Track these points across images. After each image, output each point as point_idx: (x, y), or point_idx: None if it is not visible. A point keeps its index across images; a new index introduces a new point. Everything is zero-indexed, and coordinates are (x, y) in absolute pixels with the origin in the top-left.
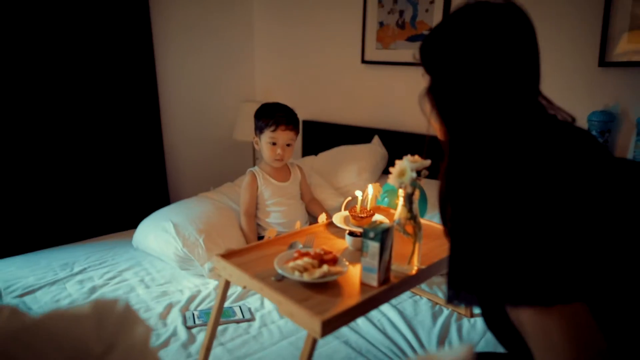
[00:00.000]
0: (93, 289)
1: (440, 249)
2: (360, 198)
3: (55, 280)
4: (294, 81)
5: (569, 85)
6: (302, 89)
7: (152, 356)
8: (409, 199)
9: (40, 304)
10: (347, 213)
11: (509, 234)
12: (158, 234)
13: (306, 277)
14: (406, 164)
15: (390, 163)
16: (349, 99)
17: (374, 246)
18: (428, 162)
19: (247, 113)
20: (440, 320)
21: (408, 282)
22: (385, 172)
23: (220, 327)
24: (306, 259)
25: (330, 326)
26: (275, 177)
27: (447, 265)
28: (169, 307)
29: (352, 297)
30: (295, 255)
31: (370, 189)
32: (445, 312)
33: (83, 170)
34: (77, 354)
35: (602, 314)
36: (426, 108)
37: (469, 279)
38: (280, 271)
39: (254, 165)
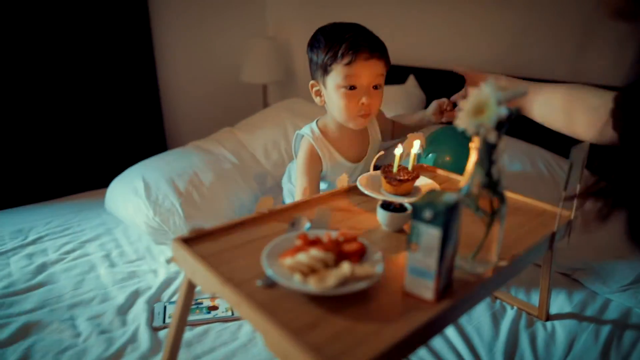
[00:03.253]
0: (42, 267)
1: (522, 229)
2: (398, 153)
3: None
4: (312, 12)
5: None
6: (322, 21)
7: None
8: (488, 153)
9: None
10: (378, 174)
11: None
12: (127, 196)
13: (313, 286)
14: (489, 93)
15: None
16: (378, 32)
17: (432, 235)
18: (524, 88)
19: (256, 51)
20: (504, 327)
21: (482, 290)
22: None
23: (197, 330)
24: (314, 252)
25: None
26: (346, 148)
27: None
28: (134, 297)
29: (392, 323)
30: (298, 242)
31: (416, 143)
32: (510, 312)
33: (62, 113)
34: None
35: None
36: None
37: None
38: (270, 272)
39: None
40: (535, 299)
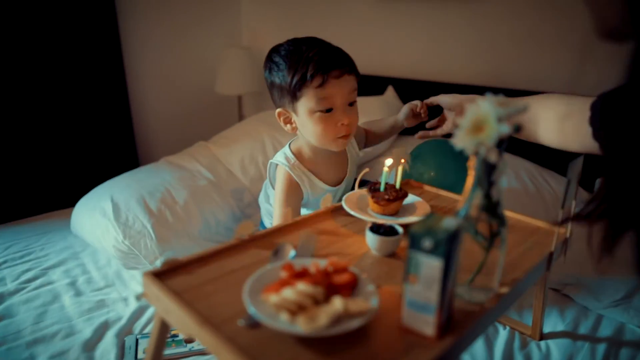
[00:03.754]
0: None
1: (518, 249)
2: (385, 169)
3: None
4: (288, 22)
5: None
6: (299, 30)
7: None
8: (487, 173)
9: None
10: (364, 192)
11: None
12: (95, 218)
13: (303, 327)
14: (489, 109)
15: None
16: (356, 42)
17: (433, 266)
18: (524, 103)
19: (231, 61)
20: (498, 349)
21: (485, 321)
22: (405, 132)
23: None
24: (302, 286)
25: None
26: (325, 172)
27: None
28: (103, 329)
29: None
30: (283, 275)
31: (398, 154)
32: (503, 332)
33: (24, 127)
34: None
35: None
36: None
37: None
38: (253, 311)
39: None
40: (527, 316)
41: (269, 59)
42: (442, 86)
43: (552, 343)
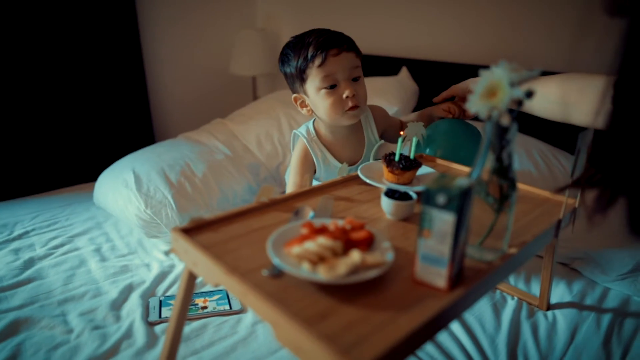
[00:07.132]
0: (30, 262)
1: (527, 217)
2: (400, 141)
3: None
4: (303, 4)
5: None
6: (313, 12)
7: None
8: (499, 137)
9: None
10: (379, 163)
11: None
12: (117, 189)
13: (323, 274)
14: (502, 75)
15: (423, 99)
16: (370, 23)
17: (446, 220)
18: (537, 72)
19: (245, 43)
20: (506, 317)
21: (493, 278)
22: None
23: (195, 324)
24: (322, 240)
25: None
26: (340, 151)
27: None
28: (128, 291)
29: (407, 311)
30: (304, 231)
31: (414, 127)
32: (511, 302)
33: (47, 106)
34: None
35: None
36: None
37: None
38: (277, 261)
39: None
40: (534, 288)
41: (281, 54)
42: (455, 67)
43: (558, 313)
